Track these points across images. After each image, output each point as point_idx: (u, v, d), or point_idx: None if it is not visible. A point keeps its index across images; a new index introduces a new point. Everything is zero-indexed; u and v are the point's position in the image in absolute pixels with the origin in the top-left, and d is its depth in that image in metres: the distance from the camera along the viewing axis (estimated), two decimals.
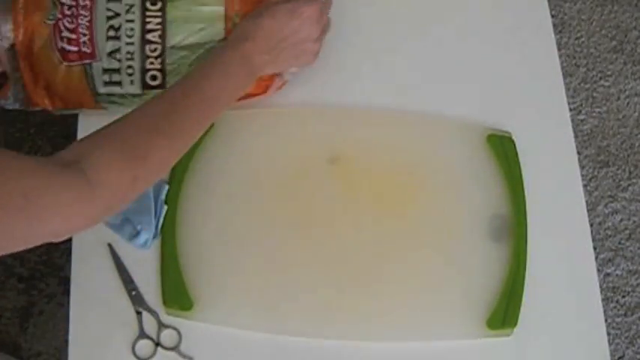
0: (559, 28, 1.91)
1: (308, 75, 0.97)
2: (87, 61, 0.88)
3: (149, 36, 0.89)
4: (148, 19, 0.89)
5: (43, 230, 0.64)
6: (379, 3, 1.04)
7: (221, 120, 0.94)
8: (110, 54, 0.89)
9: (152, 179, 0.76)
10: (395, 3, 1.04)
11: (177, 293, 0.86)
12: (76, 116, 0.94)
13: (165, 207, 0.89)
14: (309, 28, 0.88)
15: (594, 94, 1.86)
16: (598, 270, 0.92)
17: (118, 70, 0.89)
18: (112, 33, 0.89)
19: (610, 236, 1.74)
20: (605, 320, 0.90)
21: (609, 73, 1.89)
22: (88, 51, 0.88)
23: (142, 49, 0.89)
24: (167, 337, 0.85)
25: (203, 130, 0.80)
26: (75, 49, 0.88)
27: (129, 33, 0.89)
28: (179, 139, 0.76)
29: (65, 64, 0.88)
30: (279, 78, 0.93)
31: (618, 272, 1.71)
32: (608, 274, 1.70)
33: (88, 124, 0.93)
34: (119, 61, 0.89)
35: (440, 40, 1.02)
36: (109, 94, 0.90)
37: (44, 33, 0.88)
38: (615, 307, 1.69)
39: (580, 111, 1.84)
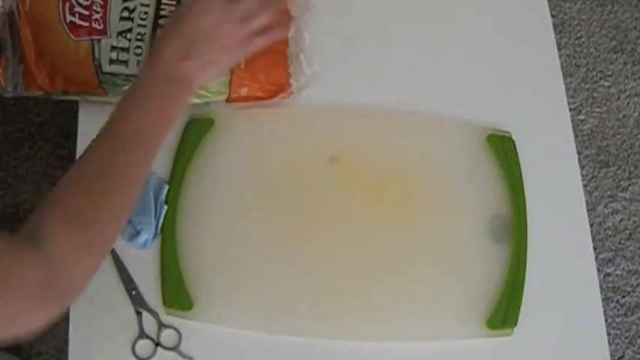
0: (559, 28, 1.91)
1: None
2: (96, 37, 0.88)
3: (162, 21, 0.89)
4: (162, 6, 0.90)
5: (11, 320, 0.62)
6: (379, 3, 1.04)
7: (221, 120, 0.94)
8: (120, 33, 0.89)
9: (109, 239, 0.71)
10: (395, 3, 1.04)
11: (177, 293, 0.86)
12: (75, 116, 0.94)
13: (166, 207, 0.89)
14: (217, 14, 0.80)
15: (594, 94, 1.86)
16: (598, 270, 0.92)
17: (126, 49, 0.88)
18: (125, 14, 0.89)
19: (610, 236, 1.74)
20: (605, 320, 0.90)
21: (609, 73, 1.89)
22: (99, 28, 0.88)
23: (153, 32, 0.89)
24: (167, 337, 0.85)
25: (148, 166, 0.75)
26: (86, 24, 0.88)
27: (142, 16, 0.89)
28: (124, 191, 0.72)
29: (73, 38, 0.87)
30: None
31: (618, 272, 1.71)
32: (608, 274, 1.70)
33: (88, 122, 0.93)
34: (129, 40, 0.89)
35: (440, 40, 1.02)
36: (113, 74, 0.89)
37: (51, 3, 0.87)
38: (615, 307, 1.68)
39: (580, 111, 1.84)
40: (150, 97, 0.75)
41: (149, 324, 0.86)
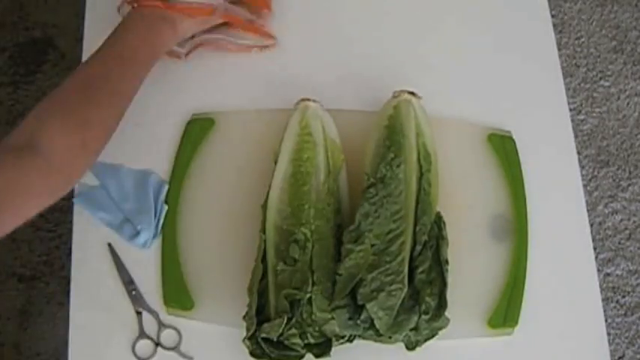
0: (559, 28, 1.91)
1: (309, 75, 0.97)
2: None
3: None
4: None
5: (16, 218, 0.72)
6: (379, 2, 1.04)
7: (221, 120, 0.94)
8: None
9: (100, 142, 0.80)
10: (395, 3, 1.04)
11: (177, 293, 0.86)
12: None
13: (166, 207, 0.89)
14: None
15: (594, 94, 1.86)
16: (598, 270, 0.92)
17: None
18: None
19: (610, 236, 1.74)
20: (605, 320, 0.90)
21: (609, 73, 1.89)
22: None
23: None
24: (167, 337, 0.85)
25: (138, 82, 0.85)
26: None
27: None
28: (115, 102, 0.82)
29: None
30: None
31: (618, 272, 1.71)
32: (608, 274, 1.70)
33: None
34: None
35: (440, 40, 1.02)
36: None
37: None
38: (615, 307, 1.69)
39: (580, 111, 1.84)
40: (137, 28, 0.86)
41: (149, 324, 0.86)
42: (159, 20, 0.88)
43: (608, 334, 1.64)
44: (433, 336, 0.80)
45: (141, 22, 0.87)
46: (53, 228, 1.57)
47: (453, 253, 0.83)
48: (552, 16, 1.22)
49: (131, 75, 0.84)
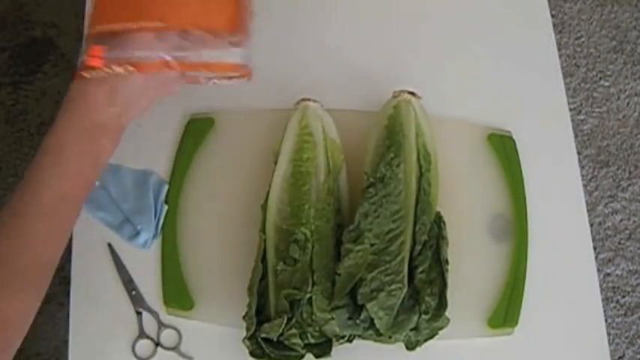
0: (559, 28, 1.91)
1: (309, 75, 0.97)
2: None
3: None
4: None
5: None
6: (379, 2, 1.04)
7: (221, 120, 0.94)
8: None
9: (17, 341, 0.65)
10: (395, 3, 1.04)
11: (177, 293, 0.86)
12: None
13: (166, 207, 0.89)
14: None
15: (594, 94, 1.86)
16: (598, 270, 0.92)
17: None
18: None
19: (610, 236, 1.74)
20: (605, 320, 0.90)
21: (609, 73, 1.89)
22: None
23: None
24: (167, 337, 0.85)
25: (66, 237, 0.69)
26: None
27: None
28: (34, 284, 0.65)
29: None
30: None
31: (618, 272, 1.71)
32: (608, 274, 1.70)
33: None
34: None
35: (440, 40, 1.02)
36: None
37: None
38: (615, 307, 1.68)
39: (580, 111, 1.84)
40: (69, 151, 0.68)
41: (149, 324, 0.86)
42: (94, 134, 0.70)
43: (608, 334, 1.63)
44: (433, 336, 0.80)
45: (75, 138, 0.69)
46: None
47: (453, 253, 0.83)
48: (552, 16, 1.22)
49: (56, 235, 0.67)
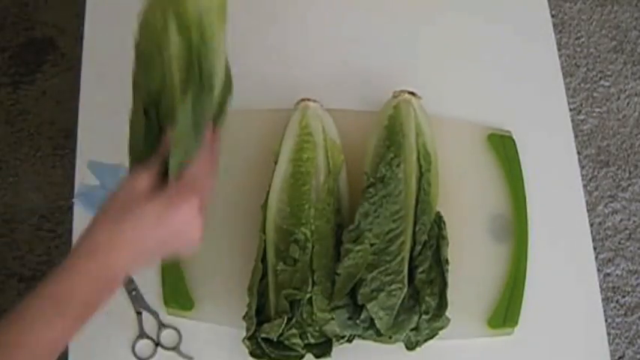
0: (559, 28, 1.91)
1: (309, 75, 0.97)
2: None
3: None
4: None
5: None
6: (379, 2, 1.04)
7: None
8: None
9: None
10: (395, 3, 1.04)
11: (177, 293, 0.86)
12: (75, 116, 0.94)
13: None
14: (186, 232, 0.70)
15: (594, 94, 1.86)
16: (598, 270, 0.92)
17: None
18: None
19: (610, 236, 1.74)
20: (605, 320, 0.90)
21: (609, 73, 1.89)
22: None
23: None
24: (167, 337, 0.85)
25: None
26: None
27: None
28: None
29: None
30: None
31: (618, 272, 1.71)
32: (608, 274, 1.70)
33: (88, 122, 0.93)
34: None
35: (440, 40, 1.02)
36: None
37: None
38: (615, 307, 1.68)
39: (580, 111, 1.84)
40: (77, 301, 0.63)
41: (149, 324, 0.86)
42: (110, 280, 0.65)
43: (608, 334, 1.63)
44: (433, 336, 0.80)
45: (92, 284, 0.63)
46: (53, 228, 1.57)
47: (453, 253, 0.83)
48: (552, 16, 1.22)
49: None
